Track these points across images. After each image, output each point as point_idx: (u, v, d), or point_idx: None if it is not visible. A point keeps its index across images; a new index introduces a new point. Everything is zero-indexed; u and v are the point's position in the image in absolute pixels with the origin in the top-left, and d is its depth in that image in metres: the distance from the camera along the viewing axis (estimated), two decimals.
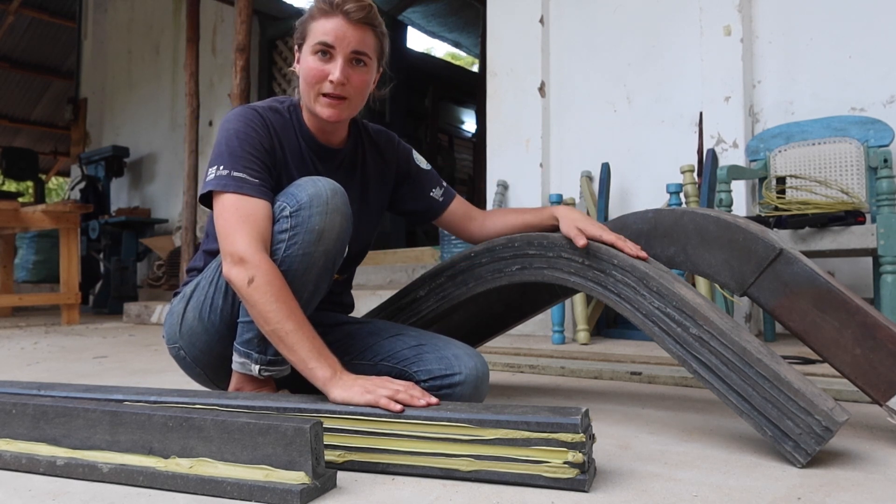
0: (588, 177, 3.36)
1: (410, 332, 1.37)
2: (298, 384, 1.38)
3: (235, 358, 1.24)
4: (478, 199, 6.58)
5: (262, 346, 1.20)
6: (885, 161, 2.07)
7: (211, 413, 0.99)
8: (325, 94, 1.27)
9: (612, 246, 1.28)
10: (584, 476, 0.92)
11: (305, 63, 1.29)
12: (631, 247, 1.28)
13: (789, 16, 2.92)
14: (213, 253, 1.33)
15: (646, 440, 1.23)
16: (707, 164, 2.84)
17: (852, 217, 2.04)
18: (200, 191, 1.25)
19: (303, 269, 1.18)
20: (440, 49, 11.85)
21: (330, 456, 1.02)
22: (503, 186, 3.65)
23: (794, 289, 1.22)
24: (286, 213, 1.18)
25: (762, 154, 2.71)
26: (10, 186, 11.91)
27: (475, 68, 9.23)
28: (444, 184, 1.57)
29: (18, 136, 10.82)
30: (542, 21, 3.62)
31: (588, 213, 3.21)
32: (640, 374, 1.90)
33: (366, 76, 1.30)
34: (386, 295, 2.52)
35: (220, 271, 1.23)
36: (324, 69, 1.27)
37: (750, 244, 1.26)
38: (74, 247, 4.60)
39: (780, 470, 1.02)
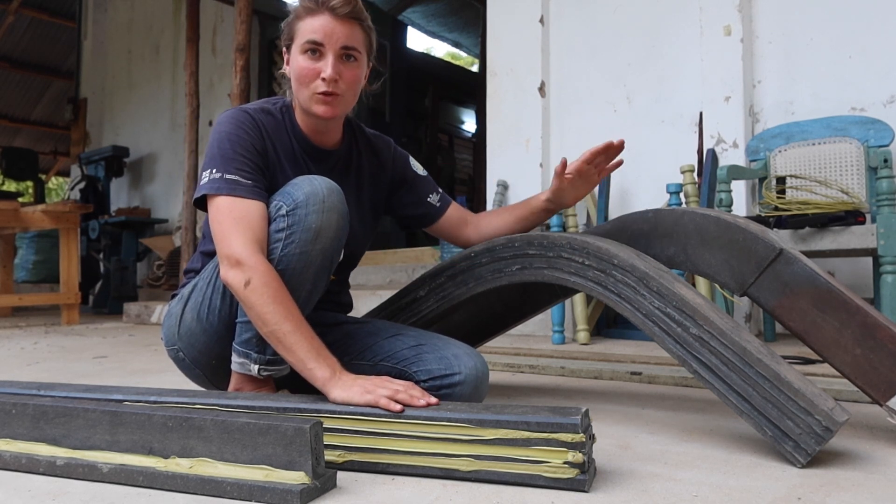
0: None
1: (410, 331, 1.37)
2: (298, 384, 1.37)
3: (234, 358, 1.24)
4: (478, 199, 6.59)
5: (261, 346, 1.20)
6: (885, 161, 2.07)
7: (211, 413, 0.99)
8: (318, 93, 1.27)
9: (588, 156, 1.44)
10: (584, 476, 0.92)
11: (296, 63, 1.29)
12: (602, 145, 1.42)
13: (789, 16, 2.92)
14: (211, 254, 1.33)
15: (646, 440, 1.23)
16: (707, 164, 2.84)
17: (852, 217, 2.04)
18: (195, 195, 1.25)
19: (300, 267, 1.18)
20: (440, 49, 11.85)
21: (330, 456, 1.02)
22: (503, 186, 3.65)
23: (794, 289, 1.22)
24: (283, 211, 1.18)
25: (762, 154, 2.71)
26: (10, 186, 11.91)
27: (475, 68, 9.23)
28: (440, 190, 1.59)
29: (18, 136, 10.82)
30: (542, 21, 3.62)
31: (588, 213, 3.21)
32: (640, 374, 1.90)
33: (357, 71, 1.30)
34: (386, 295, 2.52)
35: (218, 272, 1.23)
36: (315, 67, 1.26)
37: (750, 244, 1.26)
38: (74, 247, 4.60)
39: (780, 470, 1.02)
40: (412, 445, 1.00)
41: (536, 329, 3.13)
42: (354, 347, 1.36)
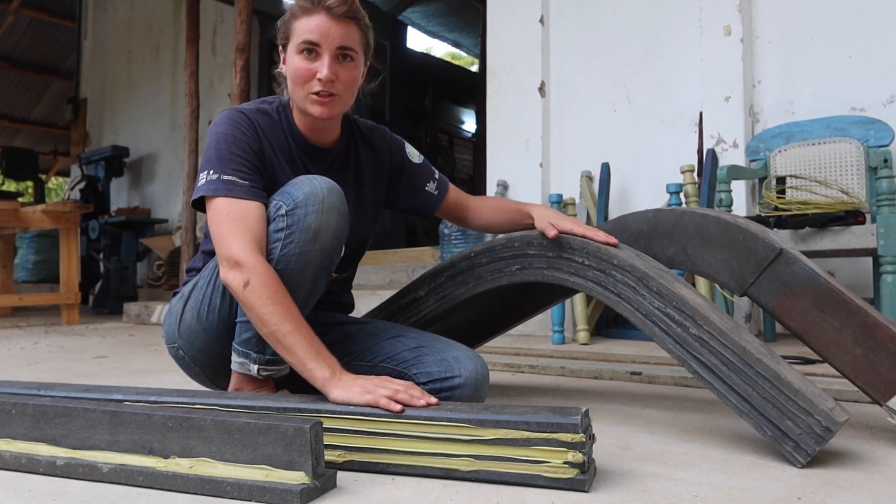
0: (588, 177, 3.36)
1: (410, 333, 1.36)
2: (298, 384, 1.37)
3: (234, 358, 1.24)
4: None
5: (261, 346, 1.20)
6: (885, 161, 2.07)
7: (211, 413, 0.99)
8: (314, 93, 1.26)
9: (584, 237, 1.33)
10: (584, 476, 0.92)
11: (292, 63, 1.28)
12: (601, 235, 1.32)
13: (789, 16, 2.92)
14: (212, 253, 1.33)
15: (646, 440, 1.23)
16: (707, 164, 2.84)
17: (852, 217, 2.04)
18: (192, 196, 1.25)
19: (299, 267, 1.18)
20: (440, 49, 11.84)
21: (330, 456, 1.02)
22: (503, 186, 3.65)
23: (794, 289, 1.22)
24: (282, 211, 1.18)
25: (762, 154, 2.71)
26: (10, 186, 11.91)
27: (475, 68, 9.23)
28: (437, 174, 1.57)
29: (18, 136, 10.82)
30: (542, 21, 3.62)
31: (588, 213, 3.21)
32: (640, 374, 1.90)
33: (353, 71, 1.29)
34: (386, 295, 2.52)
35: (218, 272, 1.23)
36: (311, 68, 1.26)
37: (750, 244, 1.26)
38: (74, 247, 4.60)
39: (780, 470, 1.02)
40: (412, 445, 1.00)
41: (536, 329, 3.13)
42: (354, 348, 1.36)
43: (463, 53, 10.83)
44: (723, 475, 1.01)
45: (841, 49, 2.79)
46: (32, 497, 0.96)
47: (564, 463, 0.92)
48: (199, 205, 1.24)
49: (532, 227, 1.43)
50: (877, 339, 1.14)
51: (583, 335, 2.70)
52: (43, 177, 10.55)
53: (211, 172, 1.22)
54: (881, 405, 1.15)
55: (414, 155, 1.55)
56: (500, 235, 1.45)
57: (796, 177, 2.41)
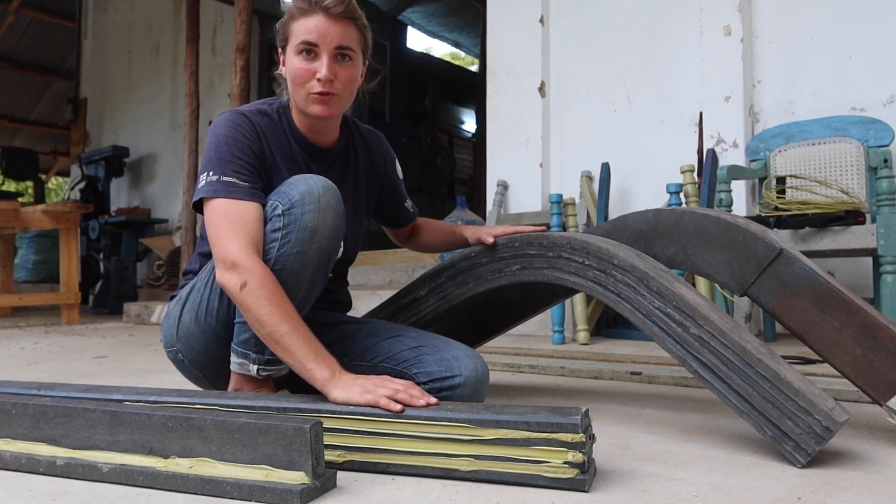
0: (588, 177, 3.36)
1: (410, 332, 1.36)
2: (298, 384, 1.37)
3: (233, 359, 1.24)
4: (478, 199, 6.58)
5: (260, 346, 1.20)
6: (885, 161, 2.07)
7: (211, 413, 0.99)
8: (314, 93, 1.27)
9: (515, 233, 1.44)
10: (584, 476, 0.92)
11: (291, 64, 1.28)
12: (530, 228, 1.44)
13: (789, 16, 2.92)
14: (208, 255, 1.33)
15: (646, 440, 1.23)
16: (707, 164, 2.84)
17: (852, 217, 2.04)
18: (193, 198, 1.25)
19: (297, 267, 1.18)
20: (440, 49, 11.84)
21: (330, 456, 1.02)
22: (503, 186, 3.65)
23: (794, 289, 1.22)
24: (278, 211, 1.18)
25: (762, 154, 2.71)
26: (10, 186, 11.91)
27: (475, 68, 9.23)
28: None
29: (18, 136, 10.82)
30: (542, 21, 3.62)
31: (588, 213, 3.21)
32: (640, 374, 1.90)
33: (352, 70, 1.30)
34: (386, 295, 2.52)
35: (215, 274, 1.23)
36: (310, 68, 1.26)
37: (750, 244, 1.26)
38: (74, 247, 4.60)
39: (780, 470, 1.02)
40: (412, 445, 1.00)
41: (536, 329, 3.13)
42: (354, 348, 1.36)
43: (463, 53, 10.83)
44: (723, 475, 1.01)
45: (841, 49, 2.79)
46: (32, 497, 0.96)
47: (564, 463, 0.92)
48: (200, 207, 1.24)
49: (466, 243, 1.54)
50: (877, 339, 1.14)
51: (583, 335, 2.70)
52: (43, 177, 10.54)
53: (211, 174, 1.22)
54: (881, 405, 1.15)
55: (399, 171, 1.60)
56: (499, 239, 1.45)
57: (796, 177, 2.41)
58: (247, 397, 1.13)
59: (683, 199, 2.73)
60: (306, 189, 1.17)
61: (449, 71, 9.02)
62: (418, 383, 1.23)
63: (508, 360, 2.22)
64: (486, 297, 1.64)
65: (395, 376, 1.26)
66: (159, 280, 5.75)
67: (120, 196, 7.47)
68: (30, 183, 9.88)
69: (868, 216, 2.29)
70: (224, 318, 1.26)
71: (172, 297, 1.38)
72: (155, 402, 1.12)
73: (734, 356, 1.09)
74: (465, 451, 0.97)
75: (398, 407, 1.01)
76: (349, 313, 1.58)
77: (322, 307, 1.44)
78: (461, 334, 1.62)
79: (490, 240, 1.44)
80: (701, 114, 3.08)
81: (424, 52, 9.93)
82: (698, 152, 3.07)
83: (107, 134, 7.84)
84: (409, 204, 1.62)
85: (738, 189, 2.86)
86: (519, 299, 1.70)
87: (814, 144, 2.59)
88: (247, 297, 1.12)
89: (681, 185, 2.68)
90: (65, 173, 11.78)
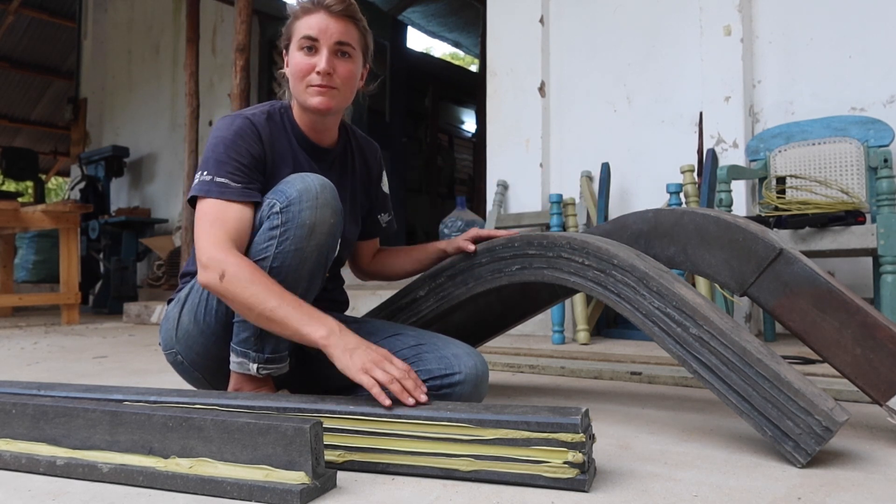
0: (588, 177, 3.36)
1: (409, 331, 1.37)
2: (298, 384, 1.38)
3: (233, 358, 1.24)
4: (478, 199, 6.58)
5: (259, 345, 1.21)
6: (885, 161, 2.07)
7: (211, 413, 0.99)
8: (313, 85, 1.29)
9: (489, 237, 1.46)
10: (584, 476, 0.92)
11: (293, 60, 1.32)
12: (503, 232, 1.45)
13: (789, 16, 2.92)
14: None
15: (646, 440, 1.23)
16: (707, 164, 2.84)
17: (852, 217, 2.04)
18: (187, 196, 1.27)
19: (296, 264, 1.18)
20: (440, 49, 11.85)
21: (330, 456, 1.02)
22: (503, 186, 3.65)
23: (794, 289, 1.22)
24: (276, 209, 1.19)
25: (762, 154, 2.71)
26: (10, 186, 11.91)
27: (475, 68, 9.23)
28: (392, 213, 1.63)
29: (18, 136, 10.81)
30: (542, 21, 3.62)
31: (588, 213, 3.21)
32: (640, 374, 1.90)
33: (351, 66, 1.33)
34: (386, 295, 2.52)
35: None
36: (310, 62, 1.29)
37: (750, 244, 1.26)
38: (74, 247, 4.59)
39: (780, 470, 1.02)
40: (412, 445, 1.00)
41: (536, 329, 3.13)
42: None
43: (463, 53, 10.83)
44: (723, 475, 1.01)
45: (841, 49, 2.79)
46: (32, 497, 0.96)
47: (564, 463, 0.92)
48: (195, 205, 1.27)
49: (443, 255, 1.52)
50: (877, 339, 1.14)
51: (583, 335, 2.70)
52: (43, 177, 10.53)
53: (205, 174, 1.24)
54: (881, 405, 1.15)
55: (386, 185, 1.60)
56: (499, 239, 1.45)
57: (796, 177, 2.41)
58: (247, 397, 1.13)
59: (683, 199, 2.73)
60: (304, 186, 1.18)
61: (449, 71, 9.02)
62: None
63: (508, 360, 2.22)
64: (486, 297, 1.64)
65: None
66: (159, 280, 5.75)
67: (120, 196, 7.47)
68: (30, 183, 9.88)
69: (868, 216, 2.29)
70: (223, 317, 1.26)
71: (170, 300, 1.39)
72: (155, 402, 1.12)
73: (734, 356, 1.09)
74: (465, 451, 0.97)
75: (387, 402, 1.01)
76: (348, 313, 1.58)
77: (319, 306, 1.44)
78: (461, 334, 1.62)
79: (471, 247, 1.45)
80: (701, 114, 3.08)
81: (424, 52, 9.94)
82: (698, 152, 3.07)
83: (107, 134, 7.84)
84: (382, 217, 1.60)
85: (738, 189, 2.86)
86: (519, 299, 1.70)
87: (814, 144, 2.59)
88: (228, 286, 1.13)
89: (681, 185, 2.68)
90: (65, 173, 11.78)
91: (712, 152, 2.89)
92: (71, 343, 3.30)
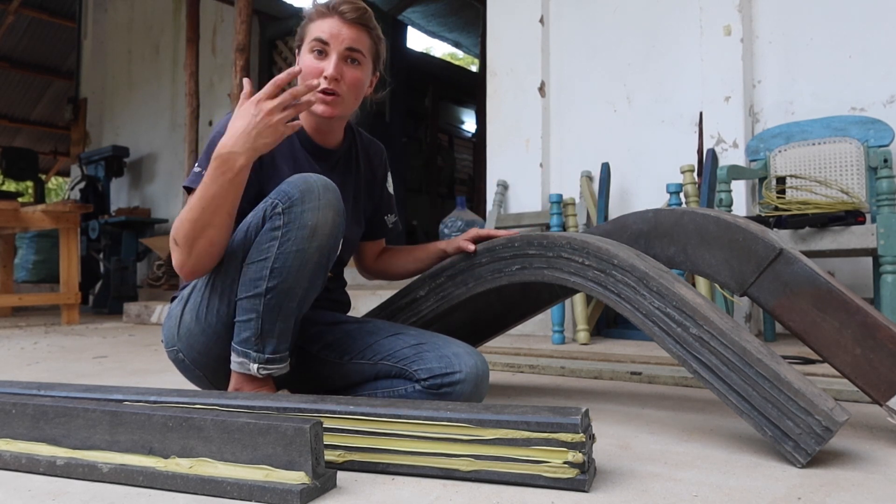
0: (588, 177, 3.36)
1: (410, 331, 1.37)
2: (298, 384, 1.38)
3: (233, 357, 1.24)
4: (478, 199, 6.59)
5: (260, 345, 1.21)
6: (885, 161, 2.07)
7: (211, 413, 0.99)
8: (318, 91, 1.29)
9: (488, 236, 1.45)
10: (584, 476, 0.92)
11: (303, 61, 1.33)
12: (503, 232, 1.45)
13: (789, 16, 2.92)
14: None
15: (646, 440, 1.23)
16: (707, 164, 2.84)
17: (852, 217, 2.04)
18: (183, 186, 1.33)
19: (297, 265, 1.18)
20: (440, 49, 11.85)
21: (330, 456, 1.02)
22: (503, 186, 3.65)
23: (794, 289, 1.22)
24: (278, 209, 1.18)
25: (762, 154, 2.71)
26: (10, 186, 11.91)
27: (475, 68, 9.23)
28: (396, 214, 1.63)
29: (18, 136, 10.81)
30: (542, 21, 3.62)
31: (588, 213, 3.21)
32: (640, 374, 1.90)
33: (359, 74, 1.33)
34: (386, 295, 2.52)
35: (216, 274, 1.25)
36: (319, 66, 1.31)
37: (750, 244, 1.26)
38: (74, 247, 4.59)
39: (780, 470, 1.02)
40: (412, 445, 1.00)
41: (536, 329, 3.13)
42: (354, 346, 1.36)
43: (463, 53, 10.83)
44: (723, 475, 1.01)
45: (841, 49, 2.79)
46: (32, 497, 0.96)
47: (564, 463, 0.92)
48: None
49: (443, 255, 1.53)
50: (877, 339, 1.14)
51: (583, 335, 2.70)
52: (43, 177, 10.54)
53: (196, 166, 1.28)
54: (881, 405, 1.15)
55: (391, 185, 1.61)
56: (499, 239, 1.45)
57: (796, 177, 2.41)
58: (247, 397, 1.13)
59: (683, 199, 2.73)
60: (306, 187, 1.18)
61: (449, 71, 9.02)
62: (419, 380, 1.24)
63: (508, 360, 2.22)
64: (486, 297, 1.64)
65: (395, 374, 1.28)
66: (159, 280, 5.75)
67: (120, 196, 7.47)
68: (30, 183, 9.88)
69: (868, 216, 2.30)
70: (225, 317, 1.26)
71: (174, 298, 1.39)
72: (155, 402, 1.12)
73: (734, 356, 1.09)
74: (465, 451, 0.97)
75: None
76: (348, 313, 1.58)
77: (321, 307, 1.44)
78: (461, 334, 1.63)
79: (471, 247, 1.45)
80: (701, 114, 3.08)
81: (424, 52, 9.93)
82: (698, 152, 3.07)
83: (107, 134, 7.84)
84: (389, 218, 1.61)
85: (738, 189, 2.87)
86: (519, 299, 1.70)
87: (814, 144, 2.59)
88: (175, 236, 1.19)
89: (681, 185, 2.68)
90: (65, 173, 11.78)
91: (712, 152, 2.89)
92: (71, 343, 3.30)
